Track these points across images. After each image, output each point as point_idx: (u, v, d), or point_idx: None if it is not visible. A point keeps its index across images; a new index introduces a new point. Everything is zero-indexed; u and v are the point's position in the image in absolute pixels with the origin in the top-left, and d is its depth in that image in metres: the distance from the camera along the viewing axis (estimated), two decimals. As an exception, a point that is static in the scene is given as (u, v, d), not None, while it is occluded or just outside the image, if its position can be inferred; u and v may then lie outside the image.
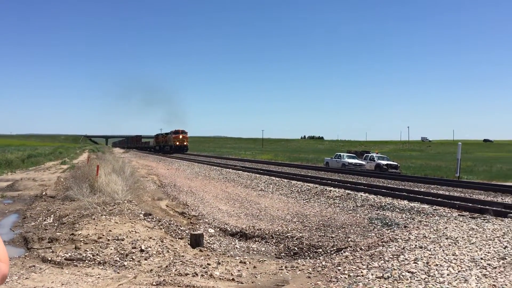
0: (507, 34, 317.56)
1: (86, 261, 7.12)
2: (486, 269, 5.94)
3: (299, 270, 6.92)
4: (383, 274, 5.87)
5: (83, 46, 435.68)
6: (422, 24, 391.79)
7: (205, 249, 8.67)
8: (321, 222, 11.46)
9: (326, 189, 17.40)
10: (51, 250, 7.84)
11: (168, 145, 69.40)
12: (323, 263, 7.23)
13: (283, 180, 21.45)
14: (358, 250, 8.06)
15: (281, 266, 7.24)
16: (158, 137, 78.83)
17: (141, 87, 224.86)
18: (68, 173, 24.33)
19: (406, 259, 6.54)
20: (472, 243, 7.38)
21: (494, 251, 6.87)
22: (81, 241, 8.09)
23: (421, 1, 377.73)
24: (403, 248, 7.29)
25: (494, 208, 12.13)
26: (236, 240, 10.58)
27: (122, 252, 7.51)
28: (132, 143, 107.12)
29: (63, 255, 7.37)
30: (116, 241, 8.06)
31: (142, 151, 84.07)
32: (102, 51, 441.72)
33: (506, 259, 6.41)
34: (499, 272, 5.78)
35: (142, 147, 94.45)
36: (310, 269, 6.87)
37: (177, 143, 66.60)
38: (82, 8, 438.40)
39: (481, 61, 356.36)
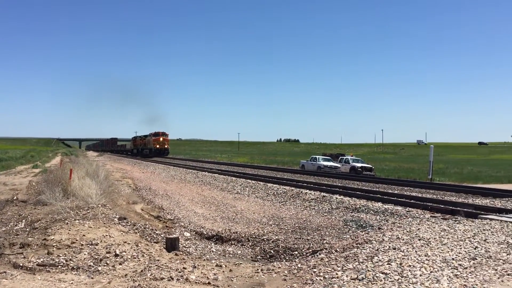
0: (507, 34, 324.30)
1: (59, 266, 6.98)
2: (457, 269, 6.08)
3: (275, 272, 6.95)
4: (357, 276, 5.95)
5: (66, 49, 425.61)
6: (422, 24, 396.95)
7: (181, 253, 8.61)
8: (297, 225, 11.53)
9: (302, 191, 17.52)
10: (22, 256, 7.66)
11: (147, 148, 65.75)
12: (299, 265, 7.27)
13: (259, 183, 21.50)
14: (333, 252, 8.15)
15: (257, 269, 7.26)
16: (136, 139, 75.16)
17: (117, 88, 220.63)
18: (40, 177, 23.76)
19: (380, 260, 6.65)
20: (444, 244, 7.55)
21: (465, 251, 7.04)
22: (53, 246, 7.93)
23: (421, 1, 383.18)
24: (377, 250, 7.40)
25: (465, 210, 12.43)
26: (212, 244, 10.56)
27: (96, 257, 7.39)
28: (107, 146, 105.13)
29: (35, 261, 7.21)
30: (90, 246, 7.94)
31: (118, 154, 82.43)
32: (84, 52, 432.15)
33: (476, 259, 6.58)
34: (470, 272, 5.92)
35: (118, 150, 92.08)
36: (286, 272, 6.91)
37: (157, 146, 63.02)
38: (74, 9, 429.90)
39: (480, 62, 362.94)
